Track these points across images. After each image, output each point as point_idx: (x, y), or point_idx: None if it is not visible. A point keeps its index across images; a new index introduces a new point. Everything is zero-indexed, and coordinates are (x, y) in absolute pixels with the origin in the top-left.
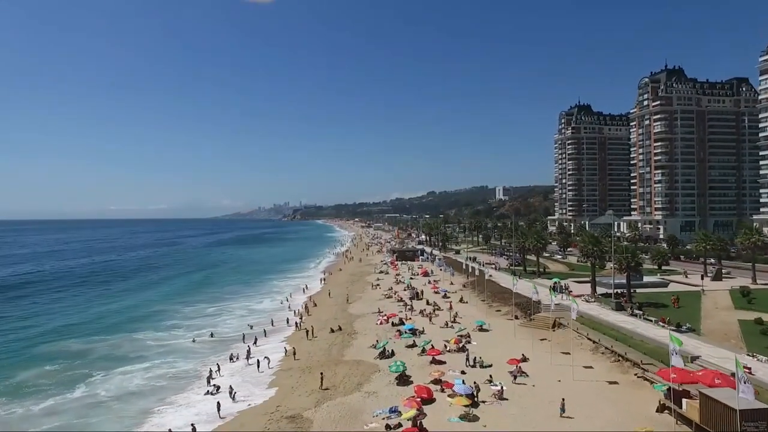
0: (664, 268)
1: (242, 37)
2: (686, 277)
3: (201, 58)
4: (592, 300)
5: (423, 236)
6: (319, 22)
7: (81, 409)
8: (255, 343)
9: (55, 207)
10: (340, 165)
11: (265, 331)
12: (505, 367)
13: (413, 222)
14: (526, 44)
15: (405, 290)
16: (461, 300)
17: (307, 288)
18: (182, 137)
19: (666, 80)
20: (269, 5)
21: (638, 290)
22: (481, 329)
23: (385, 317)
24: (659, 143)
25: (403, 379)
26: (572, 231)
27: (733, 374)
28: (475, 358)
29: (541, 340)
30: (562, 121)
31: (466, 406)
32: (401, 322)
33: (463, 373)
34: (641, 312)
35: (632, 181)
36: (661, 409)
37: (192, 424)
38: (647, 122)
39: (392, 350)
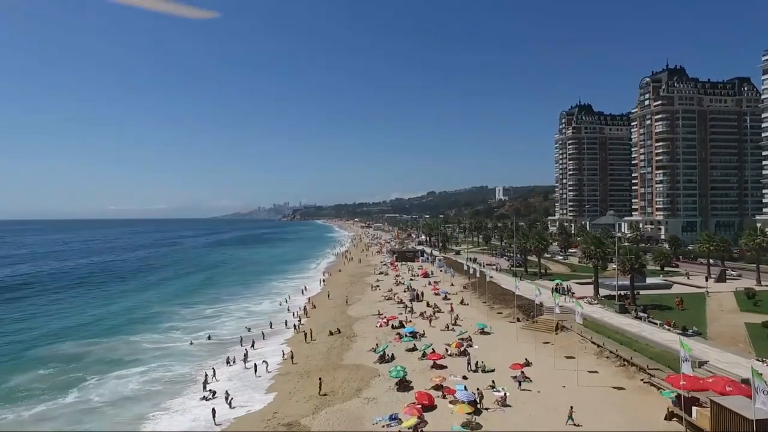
0: (666, 269)
1: (242, 36)
2: (688, 278)
3: (201, 58)
4: (595, 302)
5: (423, 237)
6: (319, 22)
7: (73, 414)
8: (252, 346)
9: (55, 207)
10: (340, 165)
11: (263, 333)
12: (508, 372)
13: (413, 222)
14: (526, 44)
15: (405, 292)
16: (462, 302)
17: (306, 289)
18: (182, 137)
19: (667, 80)
20: (271, 3)
21: (641, 292)
22: (483, 332)
23: (385, 320)
24: (661, 143)
25: (404, 385)
26: (573, 231)
27: (743, 381)
28: (477, 362)
29: (544, 343)
30: (563, 121)
31: (468, 413)
32: (401, 325)
33: (464, 378)
34: (646, 315)
35: (633, 181)
36: (670, 416)
37: None
38: (648, 122)
39: (392, 354)
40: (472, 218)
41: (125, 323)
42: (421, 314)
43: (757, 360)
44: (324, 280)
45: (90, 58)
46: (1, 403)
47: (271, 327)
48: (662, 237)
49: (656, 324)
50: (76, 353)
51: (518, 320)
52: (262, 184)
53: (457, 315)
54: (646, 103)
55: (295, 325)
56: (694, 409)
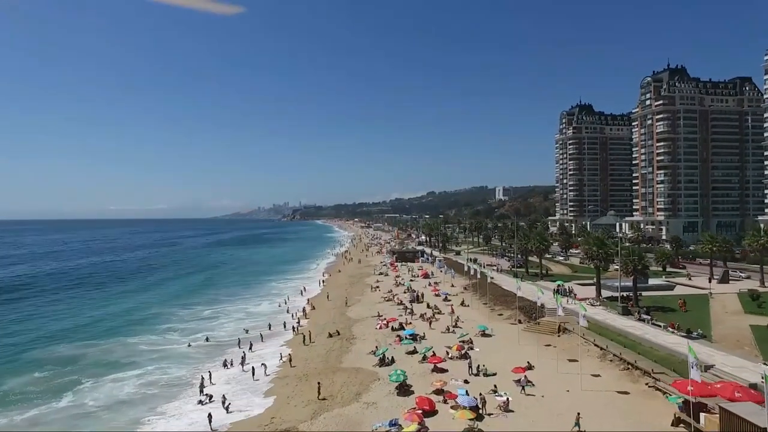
0: (669, 270)
1: (242, 36)
2: (690, 279)
3: (201, 58)
4: (597, 303)
5: (423, 237)
6: (319, 22)
7: (66, 419)
8: (251, 348)
9: (55, 207)
10: (340, 165)
11: (261, 335)
12: (510, 376)
13: (413, 222)
14: (526, 44)
15: (405, 293)
16: (462, 303)
17: (305, 290)
18: (182, 137)
19: (668, 79)
20: (271, 3)
21: (644, 293)
22: (484, 334)
23: (385, 322)
24: (662, 143)
25: (404, 389)
26: (574, 232)
27: (751, 386)
28: (478, 366)
29: (546, 346)
30: (563, 120)
31: (470, 419)
32: (401, 327)
33: (466, 382)
34: (649, 317)
35: (634, 181)
36: (677, 422)
37: None
38: (650, 122)
39: (392, 357)
40: (472, 218)
41: (123, 325)
42: (421, 316)
43: (765, 364)
44: (323, 281)
45: (90, 58)
46: None
47: (269, 329)
48: (663, 237)
49: (660, 326)
50: (72, 355)
51: (519, 322)
52: (262, 184)
53: (457, 317)
54: (647, 102)
55: (293, 327)
56: (702, 415)
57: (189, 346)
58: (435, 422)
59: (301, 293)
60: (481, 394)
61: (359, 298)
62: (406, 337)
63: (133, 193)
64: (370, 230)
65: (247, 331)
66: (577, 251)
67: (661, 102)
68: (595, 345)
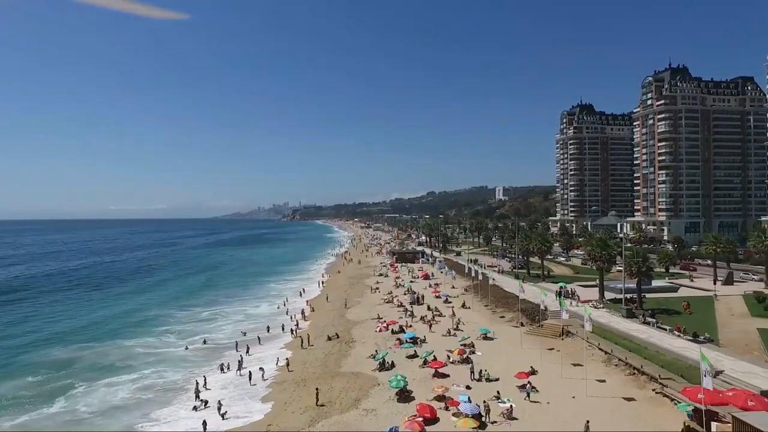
0: (674, 271)
1: (242, 36)
2: (692, 280)
3: (201, 58)
4: (601, 306)
5: (423, 237)
6: (319, 22)
7: (57, 425)
8: (248, 351)
9: (55, 207)
10: (340, 165)
11: (259, 338)
12: (513, 381)
13: (413, 222)
14: (526, 44)
15: (405, 294)
16: (463, 305)
17: (304, 291)
18: (182, 137)
19: (670, 79)
20: (271, 3)
21: (647, 295)
22: (486, 337)
23: (385, 324)
24: (663, 143)
25: (404, 395)
26: (574, 232)
27: (763, 393)
28: (480, 371)
29: (549, 349)
30: (564, 120)
31: (473, 428)
32: (401, 330)
33: (468, 388)
34: (654, 320)
35: (635, 181)
36: (687, 431)
37: None
38: (651, 122)
39: (392, 361)
40: (472, 218)
41: (120, 327)
42: (422, 318)
43: None
44: (323, 282)
45: (90, 58)
46: None
47: (268, 331)
48: (665, 238)
49: (665, 330)
50: (67, 358)
51: (522, 325)
52: (262, 184)
53: (458, 319)
54: (649, 102)
55: (292, 330)
56: (713, 424)
57: (186, 349)
58: (436, 430)
59: (301, 294)
60: (485, 402)
61: (359, 299)
62: (406, 341)
63: (133, 193)
64: (370, 230)
65: (244, 334)
66: (579, 252)
67: (662, 102)
68: (600, 349)
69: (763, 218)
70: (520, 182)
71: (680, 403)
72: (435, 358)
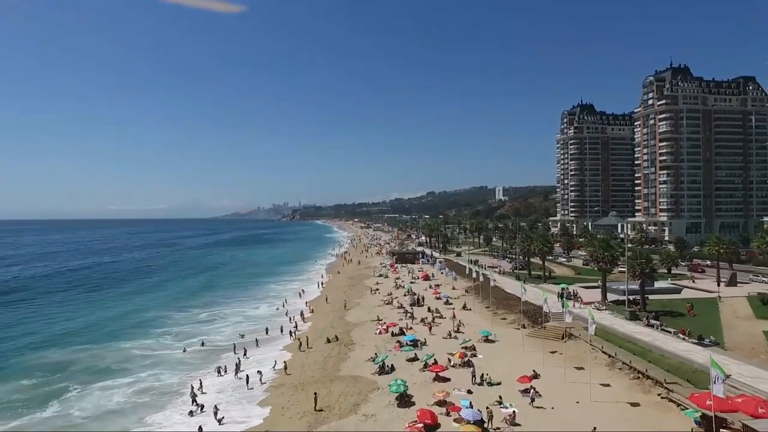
0: (672, 271)
1: (242, 36)
2: (693, 281)
3: (201, 58)
4: (603, 308)
5: (423, 237)
6: (319, 22)
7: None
8: (245, 354)
9: (55, 207)
10: (340, 165)
11: (256, 340)
12: (515, 386)
13: (413, 223)
14: (526, 44)
15: (405, 296)
16: (464, 307)
17: (303, 292)
18: (182, 137)
19: (671, 79)
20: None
21: (650, 297)
22: (487, 340)
23: (385, 327)
24: (664, 143)
25: (405, 400)
26: (575, 232)
27: None
28: (482, 375)
29: (552, 352)
30: (565, 120)
31: None
32: (402, 332)
33: (469, 392)
34: (658, 322)
35: (636, 181)
36: None
37: None
38: (652, 122)
39: (392, 365)
40: (472, 218)
41: (118, 328)
42: (422, 320)
43: None
44: (322, 283)
45: (90, 58)
46: None
47: (266, 333)
48: (666, 238)
49: (670, 332)
50: (63, 361)
51: (523, 327)
52: (262, 184)
53: (459, 321)
54: (650, 102)
55: (291, 332)
56: (722, 431)
57: (184, 351)
58: None
59: (300, 295)
60: (488, 408)
61: (358, 301)
62: (406, 344)
63: (133, 193)
64: (370, 230)
65: (242, 336)
66: (580, 252)
67: (663, 101)
68: (603, 352)
69: (765, 219)
70: (520, 182)
71: (687, 409)
72: (436, 362)
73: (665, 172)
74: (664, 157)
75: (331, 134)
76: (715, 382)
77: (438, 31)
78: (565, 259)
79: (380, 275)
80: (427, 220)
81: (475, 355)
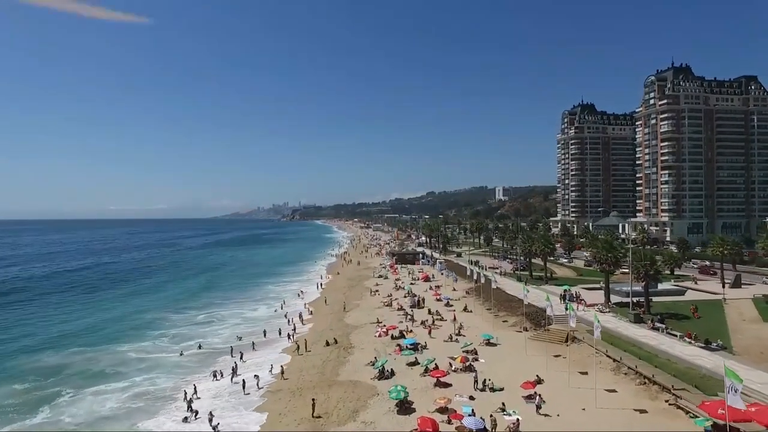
0: (675, 273)
1: (242, 36)
2: (695, 283)
3: (201, 58)
4: (607, 310)
5: (423, 238)
6: (319, 22)
7: None
8: (242, 358)
9: (55, 207)
10: (340, 165)
11: (253, 343)
12: (518, 392)
13: (413, 223)
14: (526, 44)
15: (405, 297)
16: (465, 309)
17: (302, 293)
18: (182, 137)
19: (673, 78)
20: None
21: (654, 299)
22: (489, 343)
23: (385, 329)
24: (666, 143)
25: (405, 407)
26: (576, 233)
27: None
28: (484, 380)
29: (555, 356)
30: (565, 120)
31: None
32: (402, 335)
33: (471, 398)
34: (664, 325)
35: (638, 182)
36: None
37: None
38: (653, 121)
39: (392, 369)
40: (472, 219)
41: (115, 331)
42: (423, 323)
43: None
44: (321, 284)
45: (90, 58)
46: None
47: (264, 336)
48: (667, 239)
49: (676, 336)
50: (57, 364)
51: (526, 330)
52: (261, 184)
53: (460, 324)
54: (651, 102)
55: (289, 335)
56: None
57: (181, 354)
58: None
59: (299, 296)
60: (491, 416)
61: (358, 302)
62: (406, 347)
63: (133, 193)
64: (370, 231)
65: (240, 339)
66: (582, 253)
67: (665, 101)
68: (608, 356)
69: (767, 219)
70: (520, 182)
71: (697, 417)
72: (436, 366)
73: (667, 172)
74: (666, 157)
75: (331, 134)
76: (730, 392)
77: (438, 31)
78: (566, 260)
79: (380, 276)
80: (427, 220)
81: (477, 359)
